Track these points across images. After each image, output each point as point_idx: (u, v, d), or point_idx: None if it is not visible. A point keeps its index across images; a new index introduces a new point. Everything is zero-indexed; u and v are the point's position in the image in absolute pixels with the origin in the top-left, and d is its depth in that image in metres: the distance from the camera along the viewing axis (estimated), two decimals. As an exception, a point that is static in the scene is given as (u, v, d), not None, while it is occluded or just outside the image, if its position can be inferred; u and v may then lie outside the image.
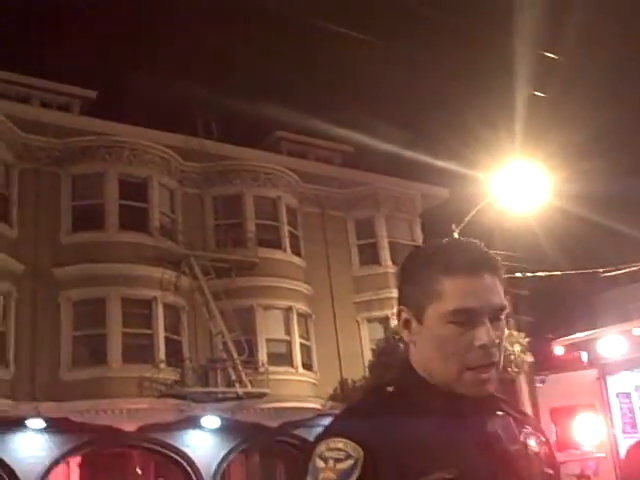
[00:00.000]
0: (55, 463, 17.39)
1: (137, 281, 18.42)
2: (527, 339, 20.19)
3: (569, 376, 9.46)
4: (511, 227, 23.10)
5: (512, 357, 19.98)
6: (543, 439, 1.59)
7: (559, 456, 8.95)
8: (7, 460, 16.81)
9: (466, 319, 1.47)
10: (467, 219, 22.54)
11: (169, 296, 18.97)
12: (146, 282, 18.57)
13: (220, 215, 21.12)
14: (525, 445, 1.53)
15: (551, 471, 1.56)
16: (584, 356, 9.75)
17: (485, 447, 1.45)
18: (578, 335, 10.08)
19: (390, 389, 1.53)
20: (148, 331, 18.48)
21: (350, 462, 1.39)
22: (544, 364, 11.54)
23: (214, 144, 21.23)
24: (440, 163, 22.13)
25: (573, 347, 9.94)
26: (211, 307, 19.40)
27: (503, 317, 1.53)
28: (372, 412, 1.47)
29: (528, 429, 1.57)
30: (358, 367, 19.92)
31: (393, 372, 1.59)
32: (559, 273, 21.03)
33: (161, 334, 18.49)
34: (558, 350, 10.01)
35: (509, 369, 20.08)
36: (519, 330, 21.28)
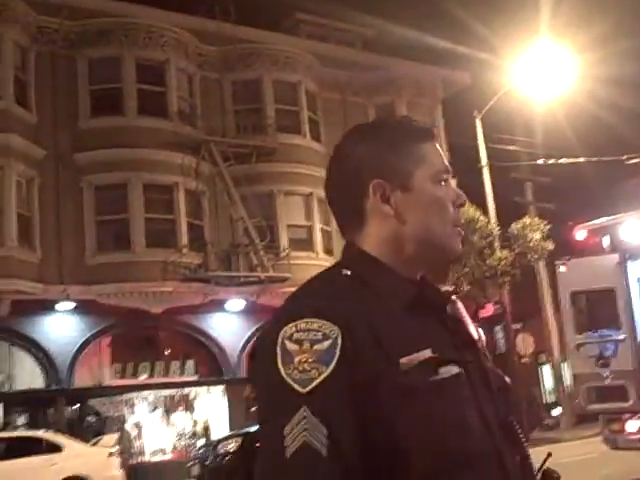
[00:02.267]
0: (86, 343, 18.01)
1: (158, 166, 18.44)
2: (548, 226, 20.17)
3: (590, 260, 9.52)
4: (534, 113, 22.66)
5: (531, 244, 20.07)
6: (479, 329, 1.59)
7: (578, 338, 9.09)
8: (40, 341, 17.44)
9: (446, 179, 1.50)
10: (489, 105, 22.12)
11: (190, 182, 19.02)
12: (167, 167, 18.59)
13: (239, 100, 20.84)
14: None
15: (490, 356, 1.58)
16: (606, 241, 9.78)
17: (447, 328, 1.43)
18: (600, 220, 10.07)
19: (347, 272, 1.42)
20: (170, 216, 18.68)
21: (328, 342, 1.25)
22: (566, 249, 11.60)
23: (232, 27, 20.68)
24: (463, 48, 21.52)
25: (595, 232, 9.97)
26: (232, 193, 19.48)
27: None
28: (337, 293, 1.35)
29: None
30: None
31: (343, 255, 1.56)
32: (582, 160, 20.76)
33: (183, 219, 18.68)
34: (580, 235, 10.03)
35: (529, 255, 20.20)
36: (540, 217, 21.24)
